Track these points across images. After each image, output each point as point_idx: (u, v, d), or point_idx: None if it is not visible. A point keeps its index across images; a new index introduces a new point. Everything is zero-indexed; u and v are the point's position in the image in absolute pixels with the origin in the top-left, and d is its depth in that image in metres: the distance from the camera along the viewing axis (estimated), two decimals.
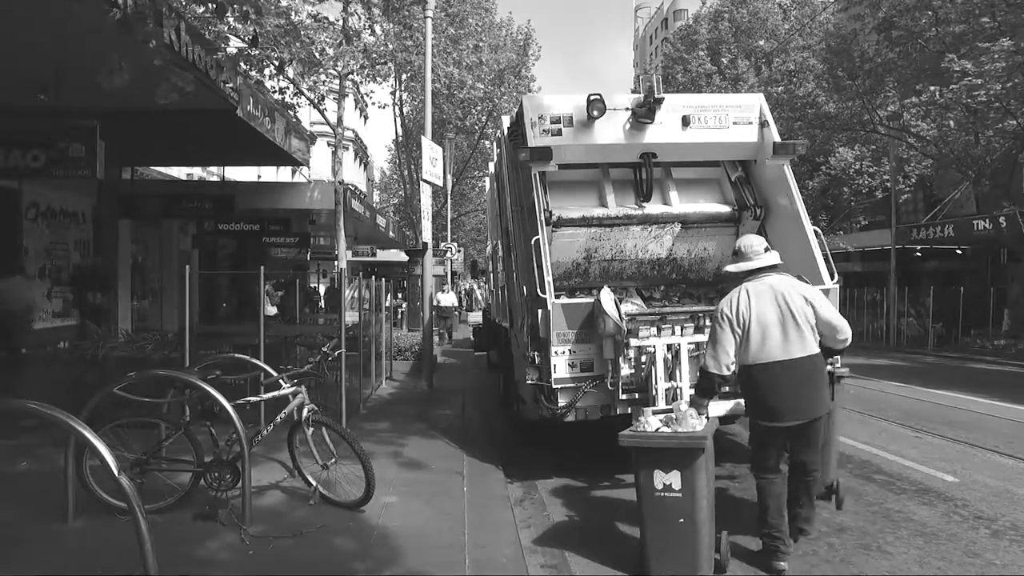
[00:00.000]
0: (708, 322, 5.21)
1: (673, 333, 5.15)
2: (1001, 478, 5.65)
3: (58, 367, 6.67)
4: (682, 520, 3.60)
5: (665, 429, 3.77)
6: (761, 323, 3.82)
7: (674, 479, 3.61)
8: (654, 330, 5.13)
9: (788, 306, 3.84)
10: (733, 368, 3.90)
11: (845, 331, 3.94)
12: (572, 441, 6.57)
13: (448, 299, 20.19)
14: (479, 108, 23.44)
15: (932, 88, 16.26)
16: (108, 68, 4.70)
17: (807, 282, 5.30)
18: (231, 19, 7.66)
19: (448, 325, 19.87)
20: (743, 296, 3.91)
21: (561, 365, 5.17)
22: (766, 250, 4.07)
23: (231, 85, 7.51)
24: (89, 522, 4.01)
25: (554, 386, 5.16)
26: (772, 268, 4.04)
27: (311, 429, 4.56)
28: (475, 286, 24.75)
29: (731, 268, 4.15)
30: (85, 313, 11.30)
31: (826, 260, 5.59)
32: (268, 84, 13.28)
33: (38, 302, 9.91)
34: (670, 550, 3.65)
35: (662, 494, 3.64)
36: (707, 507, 3.68)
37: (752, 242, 4.13)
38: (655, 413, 4.03)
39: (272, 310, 13.99)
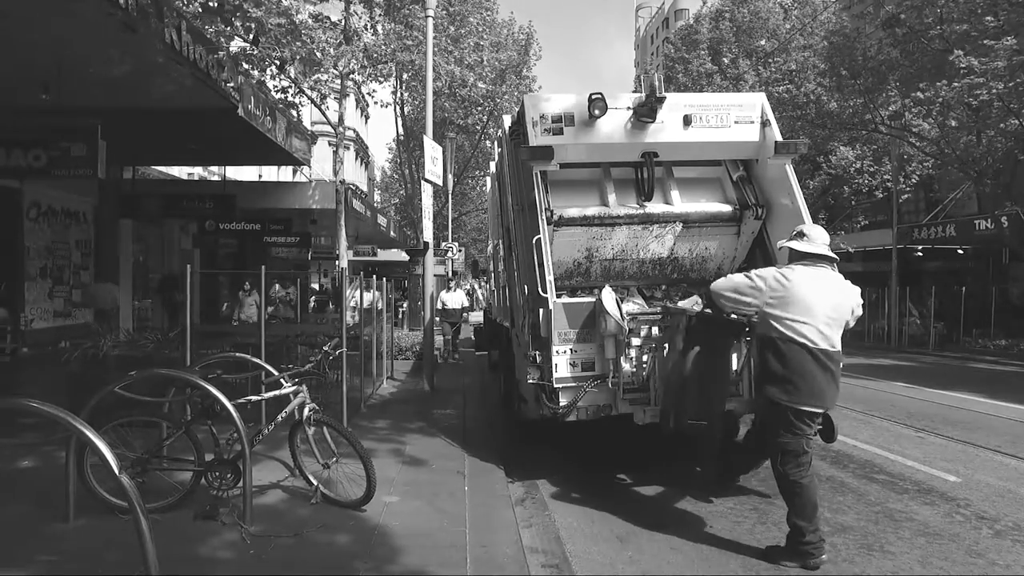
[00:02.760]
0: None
1: None
2: (1004, 478, 5.64)
3: (59, 366, 6.66)
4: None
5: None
6: (823, 306, 3.84)
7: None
8: (655, 330, 5.12)
9: (843, 301, 3.96)
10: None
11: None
12: (573, 441, 6.56)
13: (455, 299, 14.62)
14: (480, 107, 23.43)
15: (936, 85, 16.23)
16: (109, 60, 4.74)
17: None
18: (238, 24, 7.69)
19: (454, 331, 14.38)
20: (798, 273, 3.92)
21: (562, 364, 5.16)
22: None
23: (232, 84, 7.51)
24: (90, 521, 4.01)
25: (555, 385, 5.15)
26: (830, 262, 4.08)
27: (312, 428, 4.55)
28: (476, 286, 24.67)
29: (796, 246, 4.05)
30: (171, 313, 12.98)
31: None
32: (270, 84, 13.29)
33: (121, 303, 11.59)
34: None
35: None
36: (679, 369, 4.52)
37: (821, 231, 4.17)
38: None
39: (251, 311, 12.97)
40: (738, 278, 4.14)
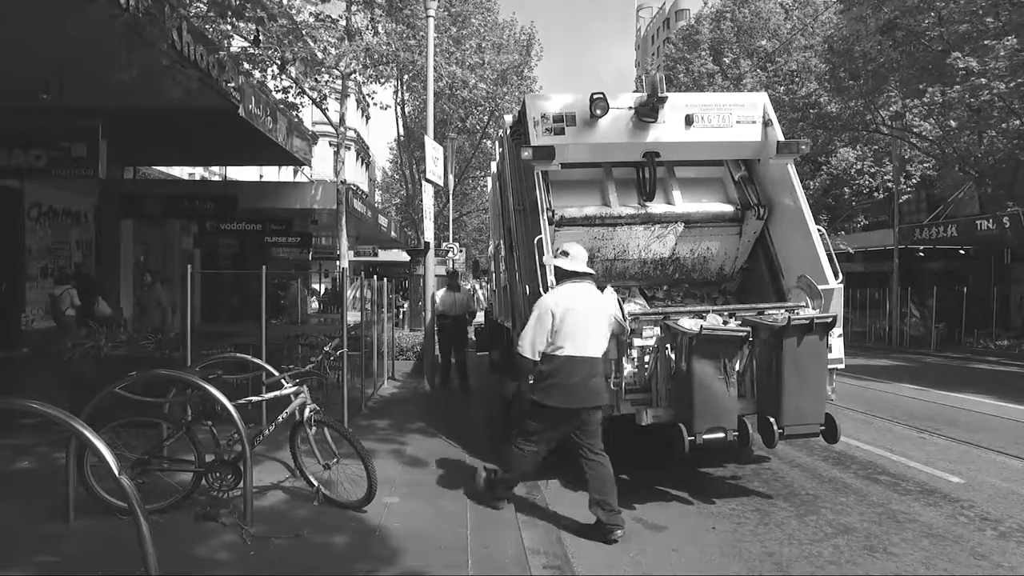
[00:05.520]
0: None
1: None
2: (1007, 479, 5.62)
3: (60, 366, 6.65)
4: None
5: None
6: (579, 320, 4.37)
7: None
8: (657, 330, 5.10)
9: (597, 312, 4.49)
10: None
11: (612, 353, 4.72)
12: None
13: (456, 302, 10.09)
14: (481, 108, 23.42)
15: (935, 87, 16.22)
16: (117, 64, 4.76)
17: (811, 281, 5.32)
18: (242, 23, 7.68)
19: (451, 342, 10.24)
20: (566, 294, 4.48)
21: None
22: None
23: (233, 84, 7.51)
24: (90, 522, 3.99)
25: None
26: (590, 277, 4.66)
27: (313, 429, 4.54)
28: (477, 286, 24.54)
29: (564, 264, 4.62)
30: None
31: (830, 259, 5.57)
32: (271, 84, 13.28)
33: (167, 306, 11.84)
34: None
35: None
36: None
37: (581, 249, 4.72)
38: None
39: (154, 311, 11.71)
40: (528, 330, 4.46)
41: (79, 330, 8.57)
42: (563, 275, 4.62)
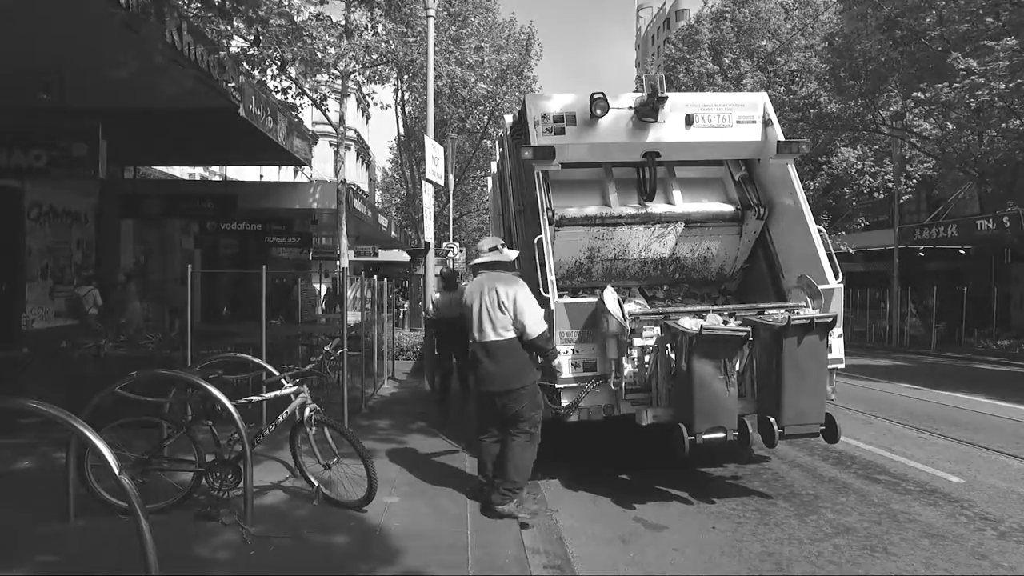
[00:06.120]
0: None
1: None
2: (1007, 479, 5.62)
3: (60, 366, 6.66)
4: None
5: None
6: (473, 309, 4.65)
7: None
8: (657, 330, 5.10)
9: (488, 298, 4.59)
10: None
11: (531, 331, 4.55)
12: (575, 441, 6.54)
13: (452, 303, 7.43)
14: (481, 108, 23.42)
15: (935, 87, 16.23)
16: (115, 62, 4.79)
17: (811, 281, 5.31)
18: (239, 24, 7.71)
19: (464, 346, 6.57)
20: (469, 287, 4.85)
21: (564, 365, 5.14)
22: (491, 249, 4.87)
23: (233, 84, 7.50)
24: (90, 522, 3.99)
25: (557, 386, 5.13)
26: (496, 265, 4.81)
27: (313, 429, 4.54)
28: None
29: (472, 261, 5.02)
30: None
31: (830, 259, 5.57)
32: (271, 84, 13.27)
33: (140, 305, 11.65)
34: None
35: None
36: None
37: (483, 243, 4.98)
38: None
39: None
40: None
41: (102, 327, 8.74)
42: (476, 270, 4.93)
